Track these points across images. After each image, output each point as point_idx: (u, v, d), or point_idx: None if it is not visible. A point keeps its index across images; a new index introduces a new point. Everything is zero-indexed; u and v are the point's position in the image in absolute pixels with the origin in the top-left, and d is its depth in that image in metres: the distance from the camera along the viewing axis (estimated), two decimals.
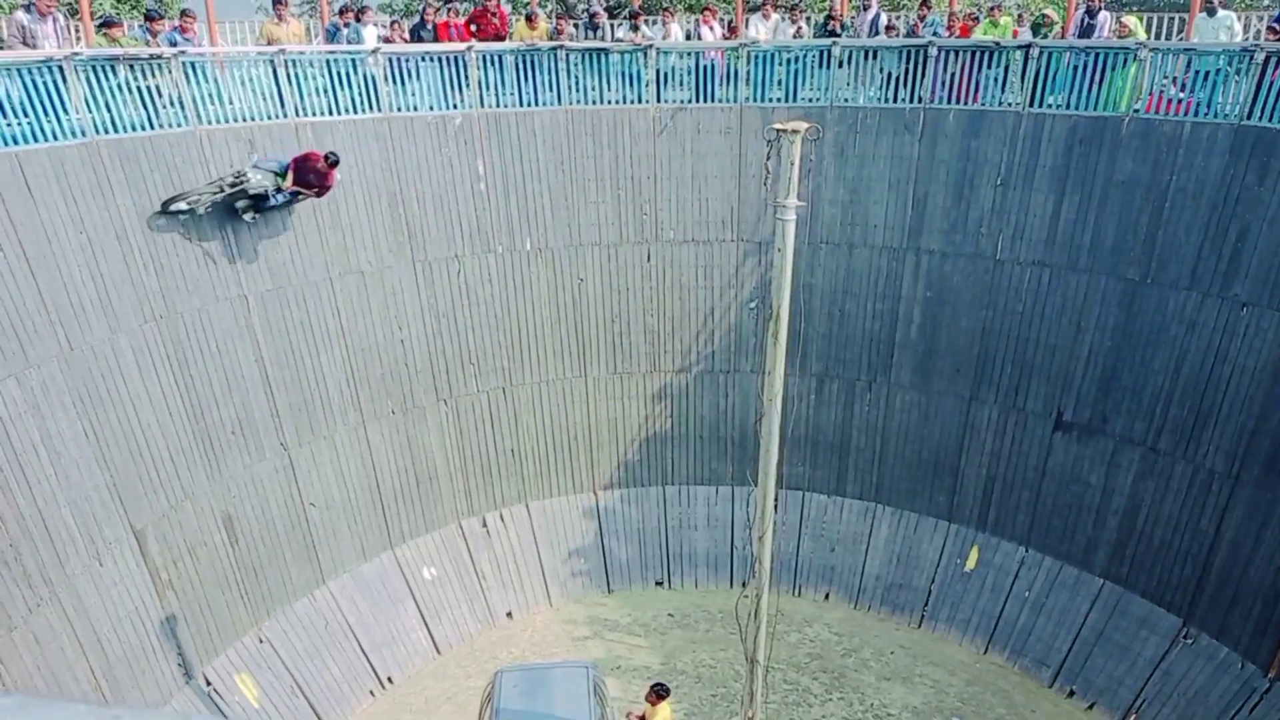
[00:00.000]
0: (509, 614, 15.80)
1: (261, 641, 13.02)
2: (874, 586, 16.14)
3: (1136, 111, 13.39)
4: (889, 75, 15.15)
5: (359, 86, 13.49)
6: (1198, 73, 13.10)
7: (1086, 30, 14.75)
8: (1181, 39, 15.56)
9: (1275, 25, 13.19)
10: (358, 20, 14.65)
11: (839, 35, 15.81)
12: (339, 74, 13.27)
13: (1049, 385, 14.61)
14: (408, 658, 14.55)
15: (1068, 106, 13.95)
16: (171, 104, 11.59)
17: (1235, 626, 12.81)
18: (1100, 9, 14.94)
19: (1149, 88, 13.39)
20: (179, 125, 11.70)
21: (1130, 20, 15.49)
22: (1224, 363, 12.77)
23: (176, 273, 11.70)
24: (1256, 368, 12.43)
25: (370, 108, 13.67)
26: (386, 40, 14.64)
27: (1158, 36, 16.82)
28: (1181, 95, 13.16)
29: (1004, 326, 14.87)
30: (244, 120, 12.39)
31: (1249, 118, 12.40)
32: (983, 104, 14.60)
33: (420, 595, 15.02)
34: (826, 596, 16.35)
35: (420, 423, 15.08)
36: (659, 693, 10.68)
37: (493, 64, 14.59)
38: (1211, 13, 13.99)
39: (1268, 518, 12.40)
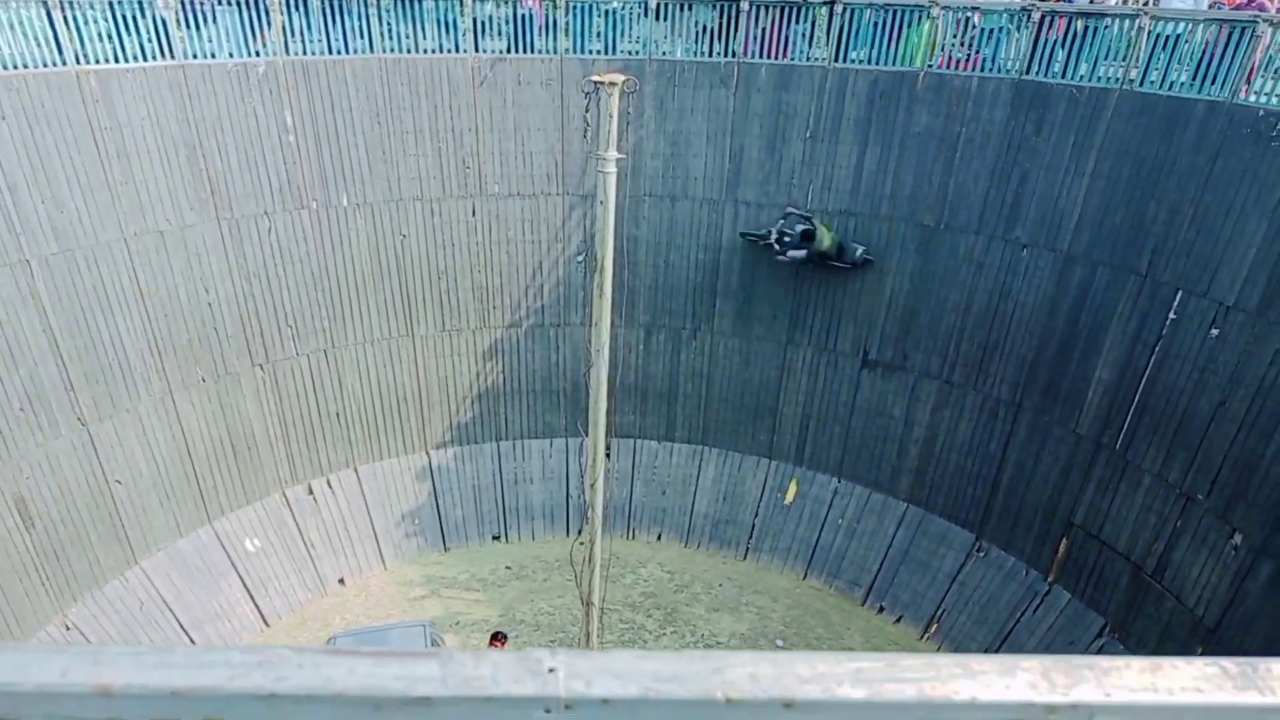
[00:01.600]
0: (341, 580, 15.49)
1: (69, 629, 12.21)
2: (703, 525, 16.85)
3: (930, 67, 14.28)
4: (704, 28, 15.44)
5: (148, 32, 12.47)
6: (983, 30, 14.08)
7: None
8: None
9: None
10: None
11: None
12: (125, 17, 12.22)
13: (856, 327, 15.57)
14: (233, 632, 14.02)
15: (869, 62, 14.70)
16: None
17: (1020, 538, 14.25)
18: None
19: (941, 44, 14.29)
20: None
21: None
22: (1008, 300, 14.01)
23: None
24: (1035, 304, 13.71)
25: (162, 54, 12.67)
26: None
27: None
28: (965, 53, 14.10)
29: (815, 273, 15.66)
30: (15, 68, 11.24)
31: (1027, 72, 13.48)
32: (792, 59, 15.15)
33: (243, 568, 14.47)
34: (659, 537, 16.93)
35: (235, 390, 14.38)
36: (498, 639, 10.83)
37: (297, 8, 13.80)
38: None
39: (1045, 440, 13.80)
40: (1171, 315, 12.07)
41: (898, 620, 15.02)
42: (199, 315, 13.67)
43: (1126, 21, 12.69)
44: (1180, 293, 11.96)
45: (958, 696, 0.77)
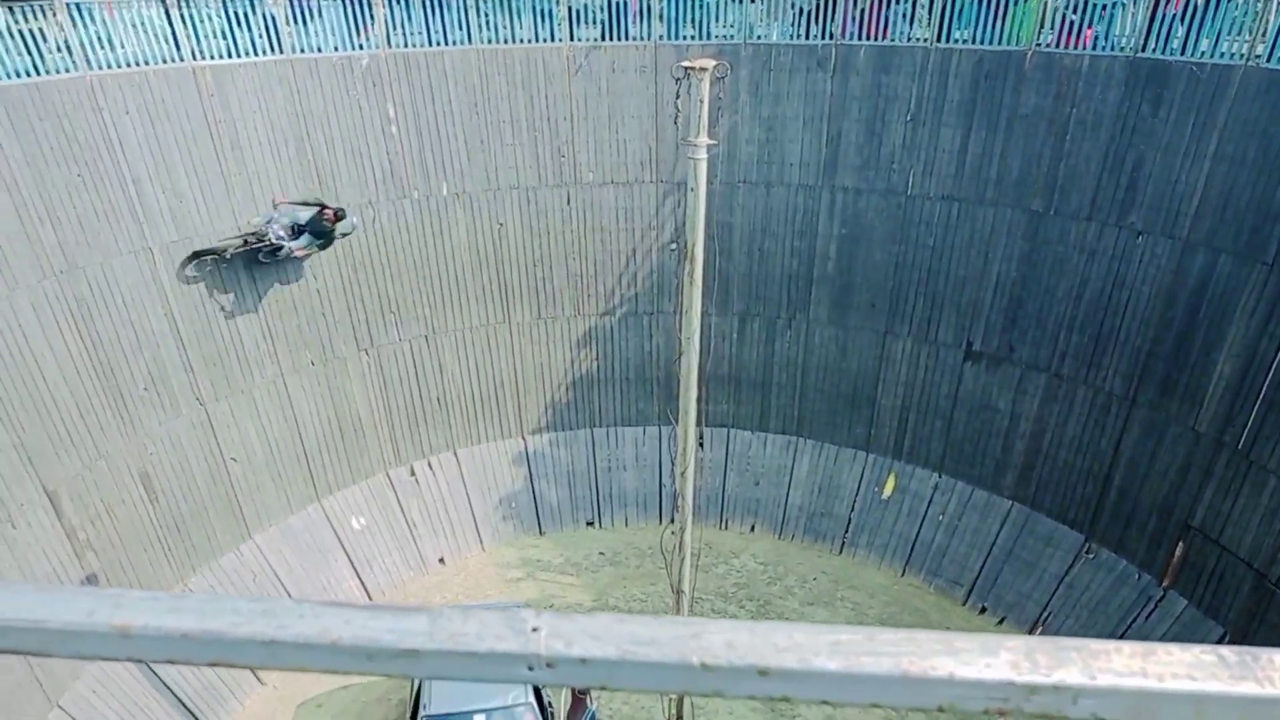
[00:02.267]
0: (441, 560, 15.93)
1: None
2: (797, 517, 16.65)
3: (1038, 45, 13.69)
4: (801, 10, 15.18)
5: (259, 28, 13.02)
6: (1095, 5, 13.41)
7: None
8: None
9: None
10: None
11: None
12: (237, 14, 12.79)
13: (959, 316, 15.08)
14: None
15: (974, 41, 14.18)
16: (58, 49, 11.07)
17: (1132, 540, 13.59)
18: None
19: (1051, 20, 13.66)
20: (67, 71, 11.19)
21: None
22: (1122, 289, 13.34)
23: (75, 226, 11.30)
24: (1151, 294, 13.03)
25: (272, 49, 13.22)
26: None
27: None
28: (1076, 19, 13.43)
29: (916, 260, 15.25)
30: (136, 65, 11.90)
31: (1143, 50, 12.79)
32: (892, 40, 14.75)
33: (350, 545, 15.04)
34: (752, 529, 16.82)
35: (342, 372, 14.93)
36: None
37: (399, 2, 14.19)
38: None
39: (1161, 437, 13.11)
40: None
41: (1000, 622, 14.54)
42: (308, 301, 14.24)
43: None
44: None
45: (935, 672, 0.73)
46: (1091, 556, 14.11)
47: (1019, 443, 14.91)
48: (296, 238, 13.08)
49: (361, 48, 13.93)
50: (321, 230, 13.17)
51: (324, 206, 13.23)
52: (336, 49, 13.76)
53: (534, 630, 0.87)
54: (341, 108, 13.92)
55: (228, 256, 12.85)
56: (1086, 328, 13.83)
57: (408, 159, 14.70)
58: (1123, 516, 13.78)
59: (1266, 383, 11.79)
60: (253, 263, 13.18)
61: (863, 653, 0.75)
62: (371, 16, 13.90)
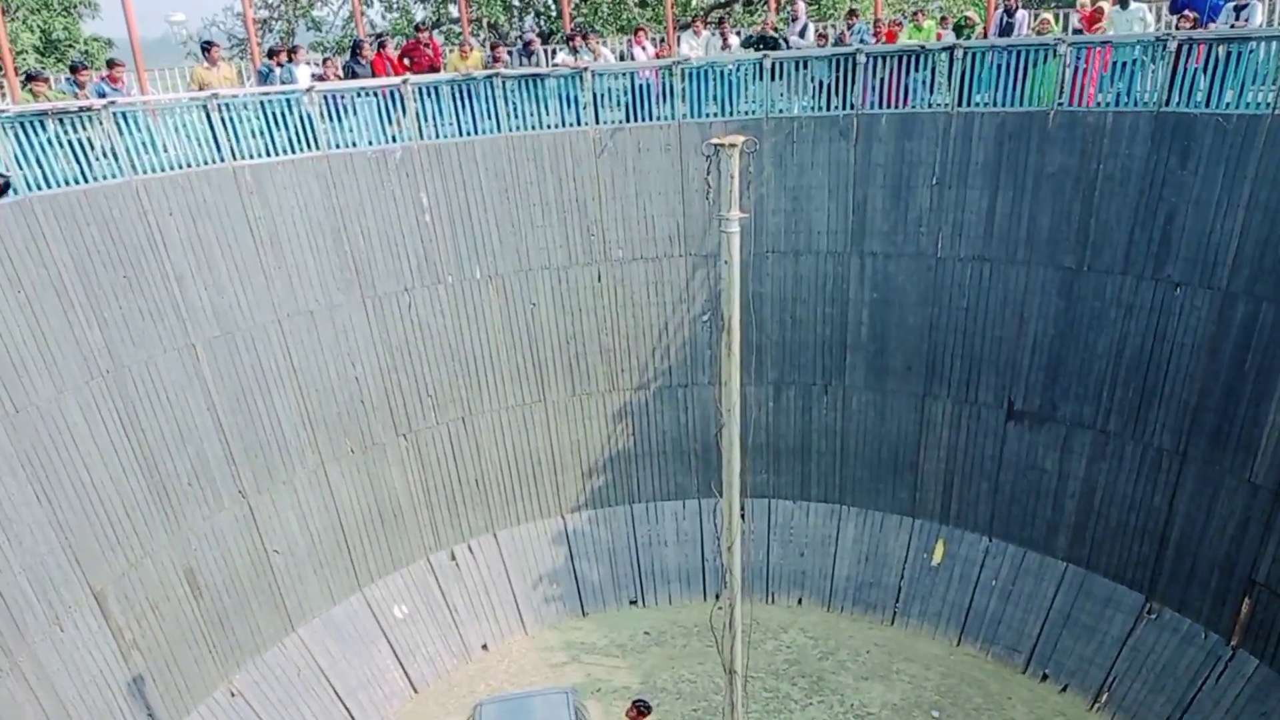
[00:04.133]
0: (484, 646, 15.67)
1: (233, 695, 12.76)
2: (845, 587, 16.29)
3: (1060, 105, 13.80)
4: (820, 84, 15.44)
5: (295, 126, 13.41)
6: (1115, 63, 13.54)
7: (1006, 29, 15.19)
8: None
9: (1183, 11, 13.64)
10: (290, 60, 14.57)
11: (775, 45, 16.07)
12: (274, 114, 13.19)
13: (998, 376, 14.93)
14: (385, 699, 14.34)
15: (995, 104, 14.33)
16: (104, 155, 11.42)
17: (1196, 598, 13.15)
18: (1018, 8, 15.41)
19: (1071, 80, 13.77)
20: (114, 177, 11.53)
21: (1049, 16, 15.99)
22: (1163, 342, 13.17)
23: (121, 326, 11.50)
24: (1194, 345, 12.84)
25: (308, 146, 13.59)
26: (320, 78, 14.58)
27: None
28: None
29: (950, 322, 15.18)
30: (180, 168, 12.25)
31: (1167, 104, 12.85)
32: (913, 106, 14.94)
33: (393, 634, 14.84)
34: (799, 601, 16.46)
35: (381, 459, 14.94)
36: (640, 709, 10.68)
37: (429, 95, 14.61)
38: (1124, 5, 14.50)
39: (1217, 490, 12.78)
40: None
41: (1063, 689, 14.02)
42: (347, 389, 14.34)
43: (1274, 44, 11.96)
44: None
45: None
46: (1154, 617, 13.66)
47: (1069, 502, 14.58)
48: None
49: (394, 140, 14.29)
50: None
51: None
52: (370, 143, 14.14)
53: None
54: (376, 199, 14.22)
55: None
56: (1130, 382, 13.62)
57: (441, 245, 14.94)
58: (1183, 574, 13.37)
59: None
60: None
61: None
62: (404, 110, 14.29)
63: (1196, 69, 12.60)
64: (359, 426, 14.58)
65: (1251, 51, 12.13)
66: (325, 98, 13.77)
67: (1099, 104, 13.55)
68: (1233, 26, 12.90)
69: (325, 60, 15.39)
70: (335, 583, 14.45)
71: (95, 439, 11.14)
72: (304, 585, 13.97)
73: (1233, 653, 12.64)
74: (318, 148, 13.68)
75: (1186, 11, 13.52)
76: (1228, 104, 12.30)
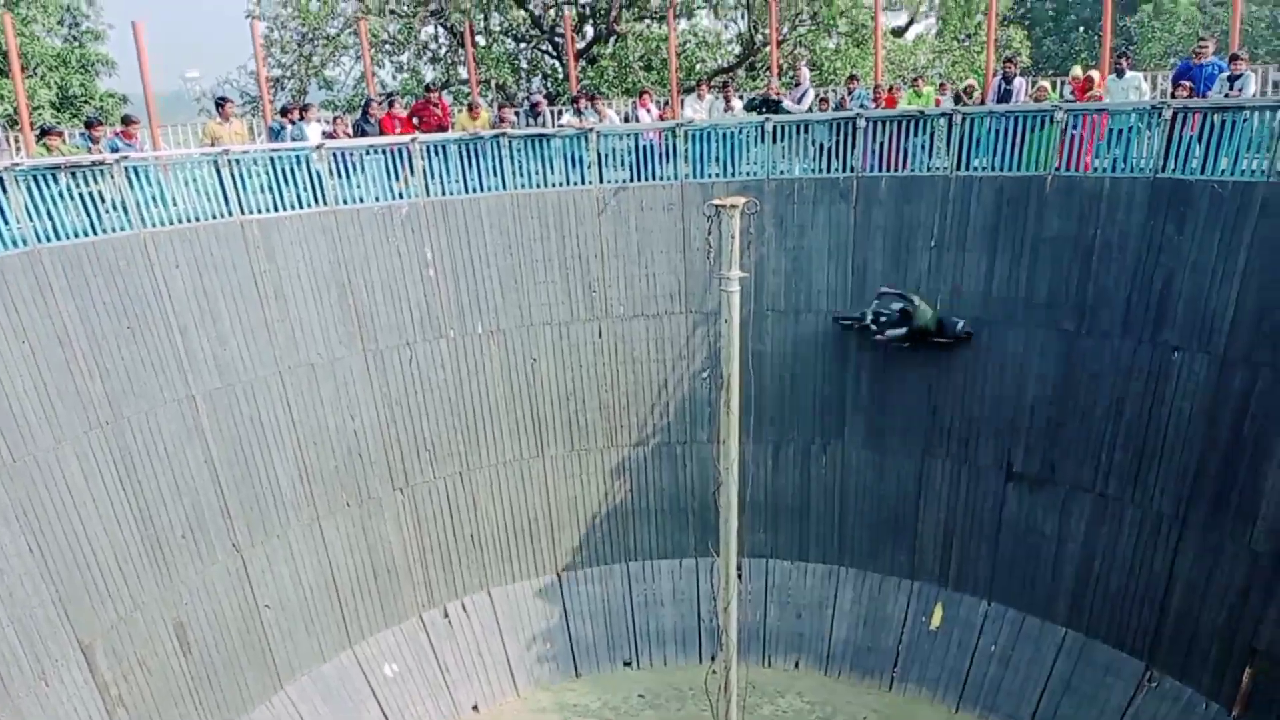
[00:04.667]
0: (475, 707, 15.40)
1: None
2: (843, 651, 16.07)
3: (1058, 170, 14.02)
4: (821, 147, 15.71)
5: (304, 182, 13.61)
6: (1112, 130, 13.79)
7: (1004, 95, 15.50)
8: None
9: (1180, 81, 13.98)
10: (301, 118, 14.85)
11: (777, 108, 16.38)
12: (284, 170, 13.39)
13: (997, 438, 14.92)
14: None
15: (993, 169, 14.56)
16: (114, 208, 11.58)
17: (1196, 666, 12.97)
18: (1016, 75, 15.75)
19: (1068, 146, 14.00)
20: (122, 229, 11.67)
21: (1045, 84, 16.34)
22: (1162, 406, 13.19)
23: (122, 377, 11.54)
24: (1192, 409, 12.86)
25: (316, 202, 13.77)
26: (330, 135, 14.84)
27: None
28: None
29: (949, 383, 15.21)
30: (188, 221, 12.41)
31: (1163, 170, 13.06)
32: (912, 170, 15.18)
33: (382, 694, 14.59)
34: (796, 665, 16.22)
35: (376, 514, 14.85)
36: None
37: (437, 154, 14.85)
38: (1120, 74, 14.83)
39: (1217, 557, 12.69)
40: None
41: None
42: (345, 442, 14.32)
43: (1267, 113, 12.21)
44: None
45: None
46: (1154, 685, 13.45)
47: (1068, 566, 14.46)
48: (897, 326, 14.65)
49: (401, 196, 14.50)
50: (912, 322, 14.58)
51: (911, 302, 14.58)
52: (378, 199, 14.33)
53: None
54: (381, 254, 14.37)
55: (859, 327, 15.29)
56: (1129, 446, 13.61)
57: (444, 299, 15.05)
58: (1184, 641, 13.20)
59: None
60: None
61: None
62: (411, 168, 14.52)
63: (1192, 137, 12.83)
64: (355, 480, 14.52)
65: (1246, 120, 12.37)
66: (334, 154, 14.00)
67: (1096, 170, 13.78)
68: (1226, 96, 13.18)
69: (335, 118, 15.68)
70: (326, 639, 14.25)
71: (91, 490, 11.10)
72: (294, 642, 13.78)
73: None
74: (325, 203, 13.86)
75: (1183, 81, 13.84)
76: (1223, 171, 12.50)
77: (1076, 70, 17.33)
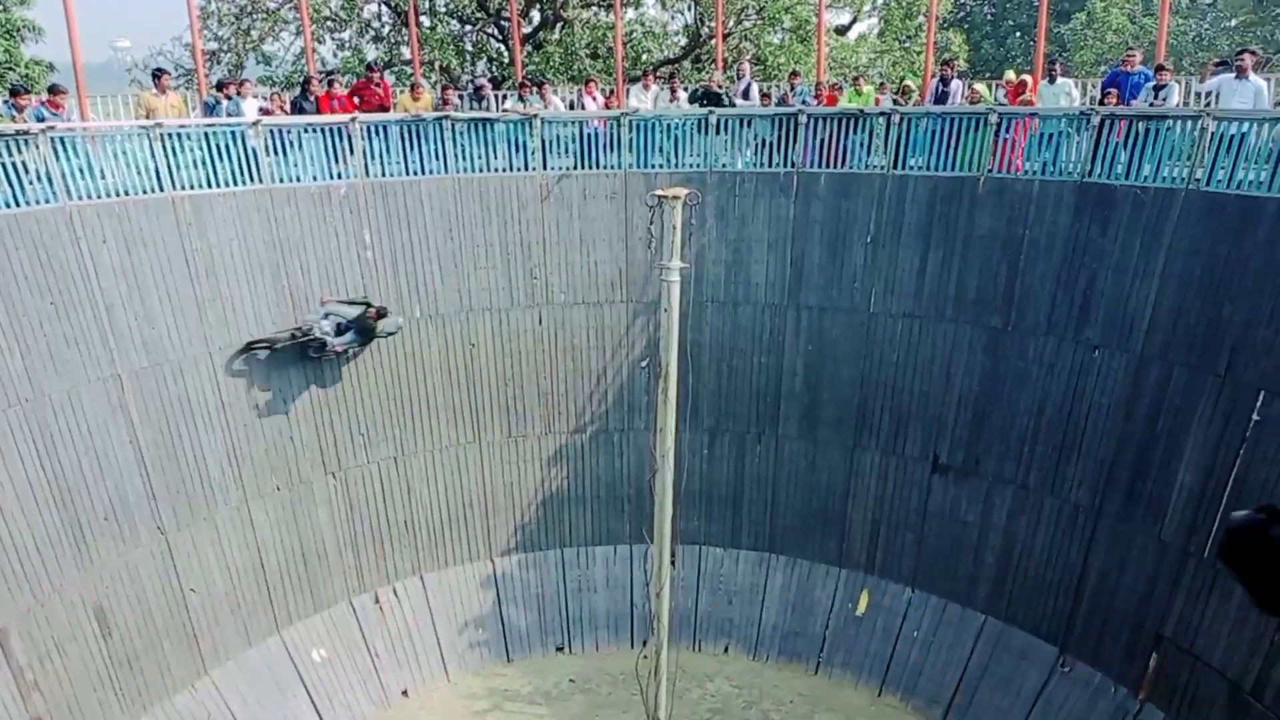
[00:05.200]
0: (404, 692, 15.33)
1: None
2: (771, 636, 16.38)
3: (990, 172, 14.41)
4: (763, 141, 15.90)
5: (239, 159, 13.31)
6: (1042, 134, 14.22)
7: (941, 97, 15.87)
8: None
9: (1108, 89, 14.48)
10: (238, 94, 14.51)
11: (720, 100, 16.50)
12: (219, 146, 13.08)
13: (925, 430, 15.32)
14: None
15: (928, 168, 14.91)
16: (38, 180, 11.19)
17: (1107, 652, 13.53)
18: (953, 78, 16.14)
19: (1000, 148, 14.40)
20: (47, 201, 11.30)
21: (980, 87, 16.77)
22: (1082, 401, 13.69)
23: (44, 353, 11.19)
24: (1110, 406, 13.37)
25: (251, 179, 13.49)
26: (266, 112, 14.53)
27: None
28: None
29: (880, 376, 15.57)
30: (117, 195, 12.06)
31: (1090, 175, 13.52)
32: (851, 167, 15.45)
33: (310, 679, 14.44)
34: (726, 649, 16.49)
35: (308, 498, 14.65)
36: None
37: (377, 134, 14.65)
38: (1052, 80, 15.31)
39: (1129, 547, 13.25)
40: (1255, 417, 11.65)
41: None
42: (276, 424, 14.09)
43: (1189, 123, 12.72)
44: (1263, 394, 11.56)
45: None
46: (1067, 670, 14.00)
47: (989, 555, 14.95)
48: (340, 335, 13.94)
49: (340, 176, 14.27)
50: (364, 328, 14.02)
51: (369, 305, 14.09)
52: (315, 178, 14.08)
53: None
54: (318, 234, 14.14)
55: (277, 347, 13.67)
56: (1050, 440, 14.10)
57: (382, 282, 14.87)
58: (1096, 628, 13.76)
59: (1226, 493, 12.04)
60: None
61: None
62: (350, 148, 14.30)
63: (1118, 143, 13.30)
64: (286, 463, 14.30)
65: (1169, 129, 12.86)
66: (271, 131, 13.72)
67: (1026, 172, 14.21)
68: (1151, 105, 13.69)
69: (273, 95, 15.36)
70: (253, 624, 14.04)
71: (8, 469, 10.75)
72: (220, 626, 13.55)
73: (1140, 706, 13.00)
74: (261, 181, 13.59)
75: (1111, 89, 14.34)
76: (1145, 177, 12.98)
77: (1010, 74, 17.84)
